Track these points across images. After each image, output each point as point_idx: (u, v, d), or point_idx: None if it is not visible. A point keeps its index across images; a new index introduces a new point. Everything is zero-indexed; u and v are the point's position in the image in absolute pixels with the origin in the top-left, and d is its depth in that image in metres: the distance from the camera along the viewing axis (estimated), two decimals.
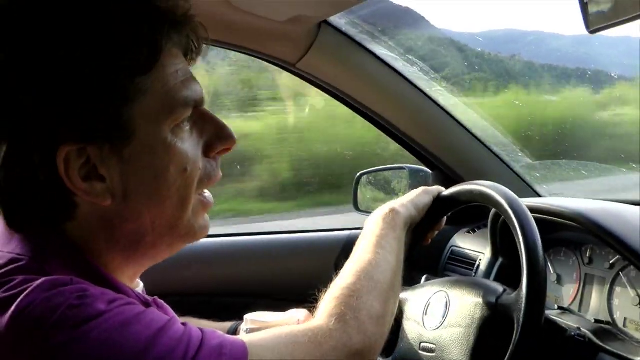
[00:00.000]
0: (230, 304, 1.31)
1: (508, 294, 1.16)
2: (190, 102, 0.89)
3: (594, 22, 0.91)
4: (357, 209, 2.13)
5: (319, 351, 0.89)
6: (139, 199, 0.86)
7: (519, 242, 1.11)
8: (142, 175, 0.86)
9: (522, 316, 1.06)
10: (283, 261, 2.09)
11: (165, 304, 0.98)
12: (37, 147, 0.81)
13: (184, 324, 0.83)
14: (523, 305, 1.06)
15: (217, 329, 1.26)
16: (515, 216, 1.13)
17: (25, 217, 0.86)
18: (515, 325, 1.07)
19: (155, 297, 0.98)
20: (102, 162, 0.83)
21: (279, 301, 1.47)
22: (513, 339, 1.06)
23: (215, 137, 0.93)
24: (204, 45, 0.96)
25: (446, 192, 1.33)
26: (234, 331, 1.28)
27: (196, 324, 1.18)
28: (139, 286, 1.03)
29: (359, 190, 2.15)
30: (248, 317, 1.23)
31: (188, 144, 0.89)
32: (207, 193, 0.96)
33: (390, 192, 2.15)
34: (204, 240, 1.99)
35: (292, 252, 2.12)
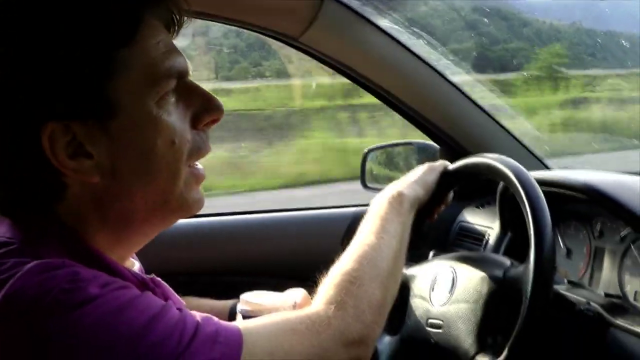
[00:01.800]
0: (234, 282, 1.30)
1: (515, 268, 1.14)
2: (173, 73, 0.87)
3: None
4: (364, 186, 2.11)
5: (316, 339, 0.88)
6: (128, 174, 0.85)
7: (526, 213, 1.08)
8: (130, 150, 0.85)
9: (529, 289, 1.03)
10: (288, 239, 2.07)
11: (163, 283, 0.97)
12: (22, 127, 0.80)
13: (179, 309, 0.81)
14: (531, 277, 1.04)
15: (218, 308, 1.28)
16: (522, 187, 1.11)
17: (14, 200, 0.86)
18: (523, 299, 1.04)
19: (153, 275, 0.97)
20: (88, 139, 0.82)
21: (284, 279, 1.46)
22: (521, 313, 1.04)
23: (203, 109, 0.92)
24: (187, 18, 0.94)
25: (452, 166, 1.30)
26: (234, 311, 1.27)
27: (197, 304, 1.18)
28: (135, 265, 1.02)
29: (366, 167, 2.13)
30: (244, 296, 1.21)
31: (174, 117, 0.88)
32: (199, 165, 0.95)
33: (398, 168, 2.13)
34: (207, 219, 2.03)
35: (298, 229, 2.10)
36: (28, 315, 0.71)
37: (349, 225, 1.99)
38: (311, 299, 1.00)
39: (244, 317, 1.18)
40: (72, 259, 0.78)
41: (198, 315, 0.82)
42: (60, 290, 0.72)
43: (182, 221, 1.93)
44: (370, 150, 2.14)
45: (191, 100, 0.91)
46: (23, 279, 0.73)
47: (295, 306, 1.20)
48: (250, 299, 1.19)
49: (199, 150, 0.93)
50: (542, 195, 1.10)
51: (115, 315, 0.74)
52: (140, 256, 1.10)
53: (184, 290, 1.12)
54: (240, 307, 1.20)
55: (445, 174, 1.29)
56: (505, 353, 1.05)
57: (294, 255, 1.92)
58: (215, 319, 0.84)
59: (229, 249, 2.01)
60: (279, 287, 1.28)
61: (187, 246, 1.94)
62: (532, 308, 1.02)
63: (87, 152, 0.83)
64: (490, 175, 1.21)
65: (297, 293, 1.24)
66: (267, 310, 1.16)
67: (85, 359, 0.72)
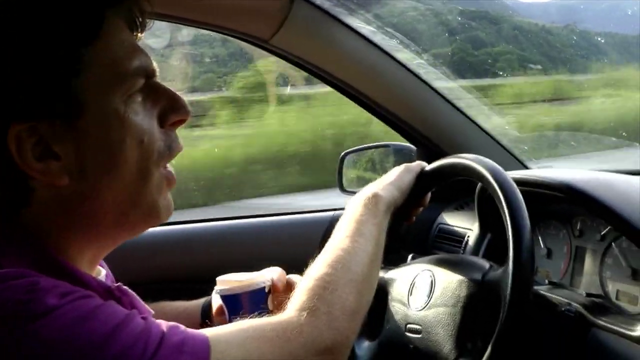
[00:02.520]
0: (209, 289, 1.27)
1: (494, 270, 1.11)
2: (140, 72, 0.87)
3: None
4: (342, 189, 2.09)
5: (287, 347, 0.85)
6: (96, 175, 0.84)
7: (504, 214, 1.06)
8: (98, 150, 0.83)
9: (508, 292, 1.00)
10: (265, 244, 2.05)
11: (130, 291, 0.94)
12: None
13: (144, 317, 0.79)
14: (509, 281, 1.01)
15: (191, 307, 1.28)
16: (500, 187, 1.08)
17: None
18: (502, 303, 1.01)
19: (119, 284, 0.94)
20: (55, 139, 0.81)
21: None
22: (500, 317, 1.01)
23: (169, 108, 0.92)
24: (148, 20, 0.95)
25: (429, 167, 1.27)
26: (208, 306, 1.26)
27: (170, 307, 1.16)
28: (102, 273, 1.00)
29: (343, 170, 2.11)
30: (220, 278, 1.22)
31: (142, 116, 0.87)
32: (169, 168, 0.94)
33: (375, 170, 2.11)
34: (180, 226, 1.99)
35: (275, 234, 2.09)
36: None
37: (327, 229, 1.96)
38: (287, 277, 1.00)
39: (222, 297, 1.18)
40: (34, 268, 0.76)
41: (164, 324, 0.80)
42: (17, 302, 0.71)
43: (155, 228, 1.94)
44: (346, 154, 2.12)
45: (158, 100, 0.92)
46: None
47: (271, 282, 1.21)
48: (227, 278, 1.19)
49: (170, 149, 0.92)
50: (520, 195, 1.07)
51: (75, 326, 0.72)
52: (113, 264, 1.10)
53: (158, 298, 1.09)
54: (217, 288, 1.21)
55: (422, 175, 1.26)
56: (485, 356, 1.02)
57: (271, 260, 1.88)
58: (182, 327, 0.82)
59: (203, 256, 2.00)
60: None
61: (160, 254, 1.93)
62: (511, 312, 1.00)
63: (54, 154, 0.81)
64: (467, 175, 1.18)
65: (272, 271, 1.24)
66: (244, 285, 1.17)
67: None
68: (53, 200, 0.83)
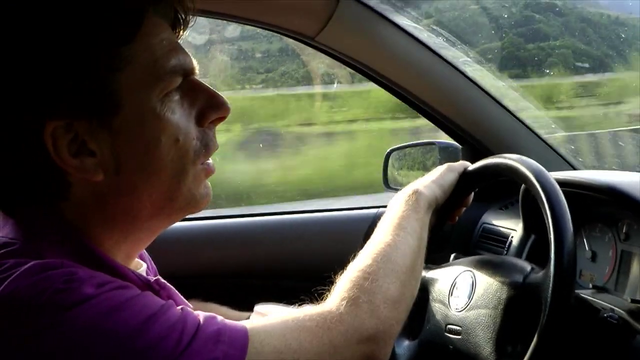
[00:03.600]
0: (250, 285, 1.28)
1: (535, 273, 1.10)
2: (178, 71, 0.87)
3: None
4: (387, 186, 2.09)
5: (327, 336, 0.85)
6: (131, 172, 0.85)
7: (547, 217, 1.04)
8: (133, 148, 0.84)
9: (549, 295, 0.99)
10: (308, 241, 2.05)
11: (168, 285, 0.95)
12: (25, 125, 0.80)
13: (182, 308, 0.80)
14: (550, 283, 1.00)
15: (233, 318, 1.28)
16: (543, 189, 1.06)
17: (18, 200, 0.85)
18: (543, 307, 1.00)
19: (158, 277, 0.95)
20: (91, 137, 0.82)
21: (301, 281, 1.44)
22: (540, 322, 1.00)
23: (208, 106, 0.92)
24: (192, 17, 0.95)
25: (472, 167, 1.26)
26: None
27: (211, 310, 1.17)
28: (142, 267, 1.01)
29: (388, 167, 2.10)
30: (257, 308, 1.21)
31: (178, 114, 0.87)
32: (209, 161, 0.94)
33: (421, 168, 2.10)
34: (225, 221, 2.01)
35: (318, 231, 2.08)
36: (22, 315, 0.71)
37: (370, 226, 1.95)
38: None
39: None
40: (73, 259, 0.78)
41: (202, 315, 0.81)
42: (54, 291, 0.72)
43: (195, 223, 1.97)
44: (392, 151, 2.11)
45: (196, 98, 0.91)
46: (18, 280, 0.73)
47: None
48: (264, 310, 1.18)
49: (207, 148, 0.92)
50: (563, 198, 1.05)
51: (110, 315, 0.73)
52: (152, 258, 1.11)
53: (195, 293, 1.10)
54: (252, 317, 1.19)
55: (464, 175, 1.25)
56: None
57: (314, 257, 1.90)
58: (220, 317, 0.82)
59: (246, 251, 2.00)
60: (296, 289, 1.26)
61: (201, 249, 1.95)
62: (551, 316, 0.98)
63: (90, 150, 0.83)
64: (510, 176, 1.17)
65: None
66: None
67: (79, 358, 0.71)
68: (90, 196, 0.85)
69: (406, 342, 1.33)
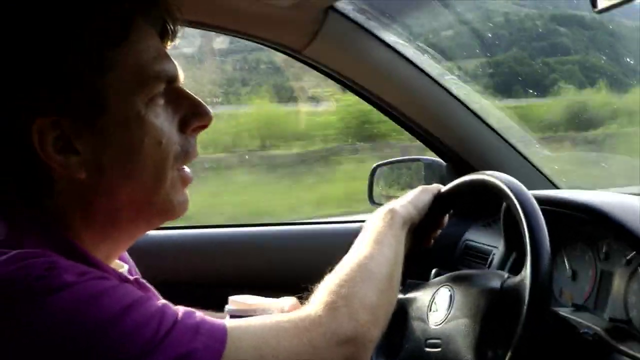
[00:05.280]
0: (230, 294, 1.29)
1: (512, 278, 1.12)
2: (162, 77, 0.90)
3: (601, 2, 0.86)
4: (371, 201, 2.10)
5: (306, 337, 0.86)
6: (114, 172, 0.87)
7: (521, 221, 1.06)
8: (116, 149, 0.86)
9: (527, 295, 1.00)
10: (291, 253, 2.06)
11: (148, 286, 0.97)
12: (12, 121, 0.83)
13: (161, 301, 0.81)
14: (528, 283, 1.01)
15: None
16: (515, 197, 1.09)
17: (2, 194, 0.87)
18: (522, 306, 1.01)
19: (138, 277, 0.98)
20: (76, 135, 0.84)
21: (281, 293, 1.44)
22: (520, 321, 1.00)
23: (191, 114, 0.94)
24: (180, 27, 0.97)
25: (445, 188, 1.28)
26: None
27: None
28: (123, 268, 1.02)
29: (374, 183, 2.11)
30: (232, 298, 1.21)
31: (162, 118, 0.90)
32: (186, 169, 0.96)
33: (405, 184, 2.11)
34: (209, 230, 2.01)
35: (301, 243, 2.10)
36: (2, 300, 0.73)
37: (354, 240, 1.97)
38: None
39: (231, 317, 1.17)
40: (54, 252, 0.79)
41: (181, 309, 0.82)
42: (35, 277, 0.73)
43: (181, 232, 1.97)
44: (377, 166, 2.12)
45: (180, 105, 0.94)
46: (1, 267, 0.74)
47: (282, 311, 1.20)
48: (238, 299, 1.19)
49: (186, 154, 0.94)
50: (537, 205, 1.08)
51: (90, 302, 0.74)
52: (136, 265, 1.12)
53: (176, 300, 1.11)
54: (227, 307, 1.20)
55: (438, 197, 1.27)
56: None
57: (297, 269, 1.89)
58: (199, 313, 0.83)
59: (229, 262, 2.01)
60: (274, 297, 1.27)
61: (185, 257, 1.96)
62: (530, 315, 1.00)
63: (74, 148, 0.85)
64: (485, 191, 1.18)
65: (287, 300, 1.24)
66: (255, 309, 1.16)
67: (56, 345, 0.72)
68: (73, 193, 0.87)
69: None
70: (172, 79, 0.93)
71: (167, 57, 0.93)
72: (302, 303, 0.97)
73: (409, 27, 1.91)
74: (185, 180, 0.96)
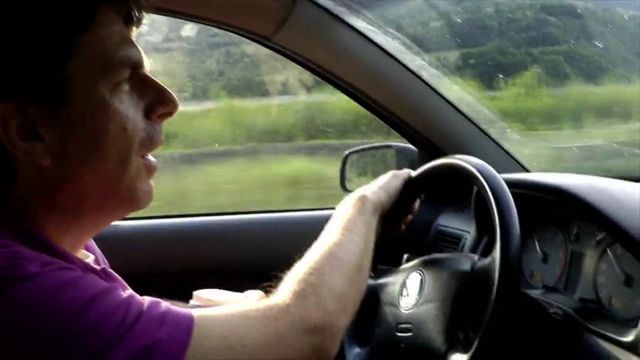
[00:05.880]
0: (204, 285, 1.28)
1: (482, 260, 1.13)
2: (126, 63, 0.89)
3: None
4: (344, 188, 2.10)
5: (273, 325, 0.85)
6: (78, 159, 0.86)
7: (490, 204, 1.07)
8: (81, 135, 0.86)
9: (497, 275, 1.01)
10: (261, 241, 2.06)
11: (115, 275, 0.96)
12: None
13: (126, 292, 0.80)
14: (497, 263, 1.02)
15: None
16: (485, 180, 1.10)
17: None
18: (492, 286, 1.02)
19: (105, 267, 0.96)
20: (40, 122, 0.84)
21: (253, 281, 1.44)
22: (490, 302, 1.01)
23: (157, 100, 0.94)
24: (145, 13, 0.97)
25: (415, 173, 1.29)
26: None
27: None
28: (89, 258, 1.01)
29: (346, 169, 2.11)
30: (196, 293, 1.21)
31: (127, 104, 0.89)
32: (151, 157, 0.96)
33: (377, 171, 2.11)
34: (178, 220, 2.01)
35: (271, 232, 2.10)
36: None
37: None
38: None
39: None
40: (18, 242, 0.78)
41: (147, 299, 0.81)
42: None
43: (147, 221, 1.96)
44: (350, 153, 2.12)
45: (145, 91, 0.94)
46: None
47: None
48: (203, 295, 1.19)
49: (151, 141, 0.94)
50: (507, 188, 1.09)
51: (54, 293, 0.73)
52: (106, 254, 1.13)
53: (144, 291, 1.10)
54: (191, 302, 1.21)
55: (408, 181, 1.28)
56: (475, 345, 1.02)
57: (265, 257, 1.89)
58: (165, 303, 0.82)
59: (196, 250, 2.01)
60: (244, 288, 1.26)
61: (150, 247, 1.95)
62: (500, 296, 1.00)
63: (39, 135, 0.84)
64: (454, 174, 1.19)
65: (253, 294, 1.24)
66: (218, 305, 1.15)
67: (20, 336, 0.71)
68: (37, 181, 0.86)
69: (357, 350, 1.33)
70: (137, 65, 0.93)
71: (131, 43, 0.93)
72: (270, 291, 0.96)
73: (381, 14, 1.91)
74: (150, 169, 0.95)
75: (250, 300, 1.19)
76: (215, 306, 1.11)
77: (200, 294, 1.21)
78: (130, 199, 0.93)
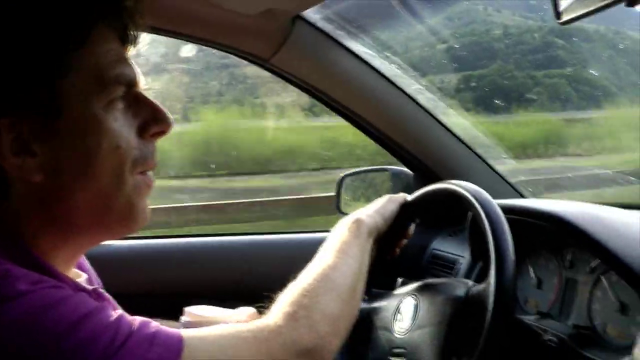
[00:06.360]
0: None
1: (476, 286, 1.12)
2: (121, 81, 0.89)
3: (566, 13, 0.86)
4: (340, 211, 2.10)
5: (264, 347, 0.85)
6: (71, 176, 0.85)
7: (485, 229, 1.07)
8: (74, 152, 0.85)
9: (491, 301, 1.01)
10: (254, 263, 2.06)
11: (107, 296, 0.96)
12: None
13: (116, 312, 0.80)
14: (492, 288, 1.02)
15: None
16: (481, 206, 1.10)
17: None
18: (486, 312, 1.02)
19: (97, 287, 0.95)
20: (34, 137, 0.83)
21: (247, 303, 1.43)
22: (484, 327, 1.01)
23: (151, 119, 0.93)
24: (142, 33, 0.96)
25: (410, 197, 1.29)
26: None
27: None
28: (82, 277, 1.00)
29: (341, 192, 2.11)
30: (188, 309, 1.20)
31: (121, 122, 0.89)
32: (149, 173, 0.95)
33: (373, 194, 2.11)
34: (172, 240, 2.00)
35: (265, 254, 2.09)
36: None
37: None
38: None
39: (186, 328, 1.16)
40: (8, 259, 0.78)
41: (137, 319, 0.81)
42: None
43: (140, 241, 1.95)
44: (345, 176, 2.12)
45: (139, 110, 0.92)
46: None
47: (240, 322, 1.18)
48: (194, 311, 1.18)
49: (145, 160, 0.93)
50: (502, 215, 1.09)
51: (43, 311, 0.73)
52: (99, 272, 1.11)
53: (134, 311, 1.10)
54: (182, 318, 1.20)
55: (404, 205, 1.28)
56: None
57: (258, 278, 1.89)
58: (155, 323, 0.82)
59: (189, 271, 2.00)
60: (234, 308, 1.26)
61: (142, 267, 1.94)
62: (494, 322, 1.00)
63: (32, 151, 0.83)
64: (451, 200, 1.19)
65: (245, 311, 1.24)
66: (209, 322, 1.15)
67: (7, 354, 0.70)
68: (30, 197, 0.85)
69: None
70: (132, 84, 0.92)
71: (126, 61, 0.92)
72: (262, 313, 0.96)
73: (378, 38, 1.92)
74: (148, 184, 0.95)
75: (242, 321, 1.19)
76: (207, 322, 1.11)
77: (192, 310, 1.20)
78: (127, 218, 0.92)
